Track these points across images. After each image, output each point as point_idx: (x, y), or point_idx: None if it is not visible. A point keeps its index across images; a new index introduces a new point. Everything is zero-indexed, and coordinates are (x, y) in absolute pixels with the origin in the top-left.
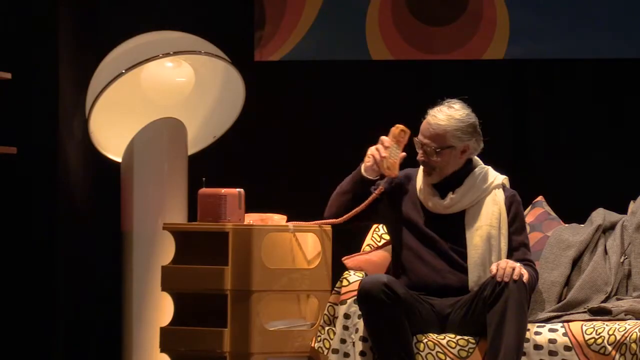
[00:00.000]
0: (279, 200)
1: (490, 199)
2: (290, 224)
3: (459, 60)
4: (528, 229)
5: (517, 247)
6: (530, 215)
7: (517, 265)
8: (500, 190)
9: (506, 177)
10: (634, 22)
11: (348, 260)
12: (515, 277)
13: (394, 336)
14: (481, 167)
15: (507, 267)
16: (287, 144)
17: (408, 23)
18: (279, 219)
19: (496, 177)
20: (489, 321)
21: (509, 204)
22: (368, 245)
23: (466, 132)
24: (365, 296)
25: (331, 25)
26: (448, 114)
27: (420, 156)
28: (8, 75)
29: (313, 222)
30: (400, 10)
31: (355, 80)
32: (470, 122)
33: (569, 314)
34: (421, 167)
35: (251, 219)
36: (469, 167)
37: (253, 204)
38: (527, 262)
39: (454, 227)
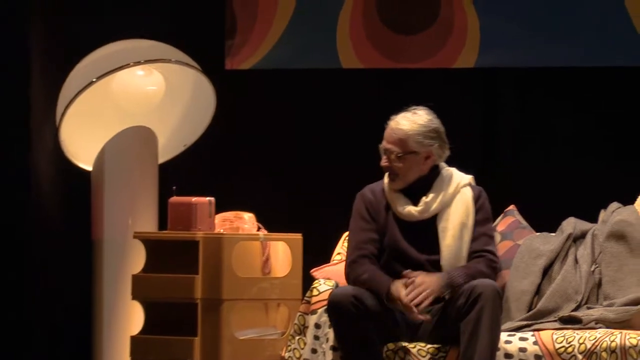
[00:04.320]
0: (250, 208)
1: (459, 198)
2: (261, 233)
3: (430, 69)
4: (499, 237)
5: (477, 237)
6: (502, 224)
7: (430, 294)
8: (468, 188)
9: (472, 176)
10: (604, 31)
11: (317, 272)
12: (417, 302)
13: (364, 348)
14: (446, 169)
15: (422, 292)
16: (258, 152)
17: (379, 32)
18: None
19: (463, 177)
20: (463, 329)
21: (477, 199)
22: (339, 254)
23: (429, 137)
24: (335, 309)
25: (302, 34)
26: (411, 120)
27: (383, 162)
28: None
29: None
30: (372, 19)
31: (326, 89)
32: (433, 128)
33: (539, 323)
34: (386, 178)
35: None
36: (434, 172)
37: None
38: (483, 253)
39: (427, 233)
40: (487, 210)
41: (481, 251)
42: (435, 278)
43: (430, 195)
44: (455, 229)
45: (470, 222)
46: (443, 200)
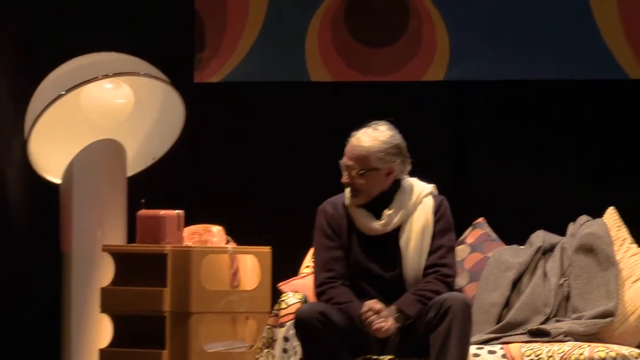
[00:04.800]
0: (219, 221)
1: (420, 209)
2: (230, 246)
3: (399, 82)
4: (469, 250)
5: (435, 250)
6: (471, 237)
7: (389, 323)
8: (429, 198)
9: (433, 185)
10: (571, 45)
11: (284, 286)
12: (375, 327)
13: None
14: (407, 180)
15: (382, 319)
16: (227, 166)
17: (348, 45)
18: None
19: (424, 187)
20: (433, 342)
21: (437, 208)
22: (307, 266)
23: (390, 153)
24: (302, 325)
25: (271, 47)
26: (372, 136)
27: (345, 178)
28: None
29: None
30: (340, 32)
31: (295, 102)
32: (395, 144)
33: (508, 335)
34: (347, 192)
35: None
36: (396, 184)
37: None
38: (438, 268)
39: (390, 246)
40: (448, 220)
41: (436, 265)
42: (390, 312)
43: (392, 208)
44: (416, 240)
45: (430, 232)
46: (405, 212)
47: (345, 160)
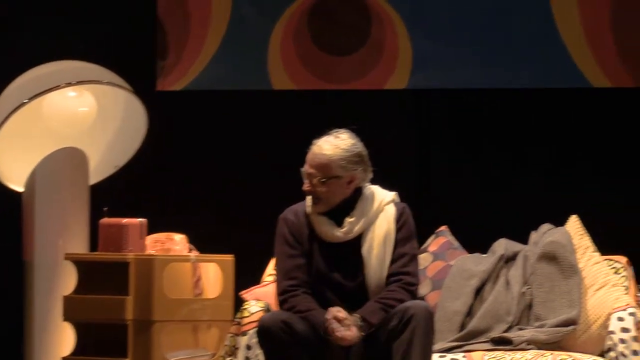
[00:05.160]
0: (181, 230)
1: (382, 216)
2: (192, 254)
3: (361, 90)
4: (431, 258)
5: (397, 258)
6: (434, 245)
7: (352, 333)
8: (391, 205)
9: (395, 192)
10: (534, 54)
11: (246, 295)
12: (338, 336)
13: None
14: (368, 187)
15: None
16: (190, 174)
17: (310, 53)
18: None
19: (386, 194)
20: (395, 351)
21: (399, 216)
22: (270, 275)
23: (352, 161)
24: (265, 334)
25: (233, 55)
26: (334, 144)
27: (306, 186)
28: None
29: None
30: (303, 40)
31: (258, 110)
32: (356, 152)
33: (470, 344)
34: (308, 200)
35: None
36: (357, 192)
37: (155, 233)
38: (401, 276)
39: (352, 254)
40: (410, 227)
41: (399, 274)
42: (353, 321)
43: (354, 216)
44: (378, 248)
45: (392, 240)
46: (367, 220)
47: (306, 168)
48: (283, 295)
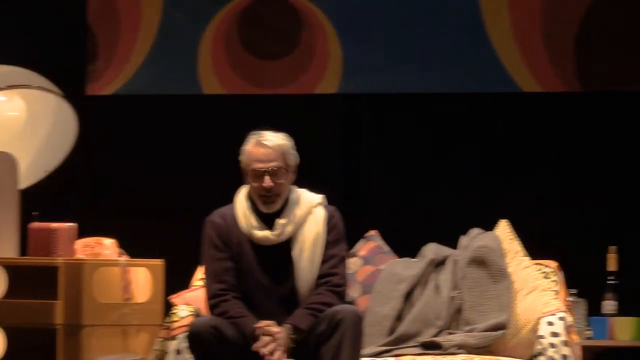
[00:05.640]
0: (111, 234)
1: (312, 219)
2: (122, 259)
3: (292, 95)
4: (361, 262)
5: (327, 260)
6: (363, 249)
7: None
8: (320, 208)
9: (323, 195)
10: (464, 58)
11: (176, 299)
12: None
13: None
14: (295, 190)
15: (274, 346)
16: (120, 178)
17: (241, 57)
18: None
19: (313, 197)
20: (324, 355)
21: (329, 219)
22: (200, 279)
23: (294, 150)
24: (195, 339)
25: (164, 60)
26: (275, 135)
27: (267, 183)
28: None
29: None
30: (233, 45)
31: (188, 115)
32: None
33: (400, 348)
34: (237, 204)
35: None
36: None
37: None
38: (329, 278)
39: (283, 257)
40: (340, 230)
41: (327, 275)
42: (283, 332)
43: (285, 218)
44: (309, 251)
45: (322, 243)
46: (297, 222)
47: (261, 166)
48: (214, 299)
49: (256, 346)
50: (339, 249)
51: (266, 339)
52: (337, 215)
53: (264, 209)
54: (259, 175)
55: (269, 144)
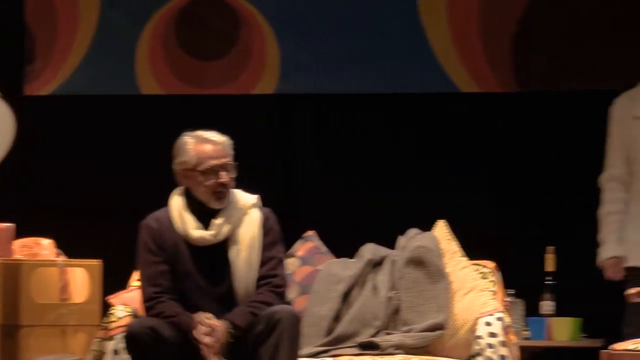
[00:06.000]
0: (49, 234)
1: (247, 220)
2: (60, 259)
3: (230, 95)
4: (299, 262)
5: (266, 262)
6: (301, 249)
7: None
8: (256, 209)
9: (257, 196)
10: (402, 58)
11: (113, 299)
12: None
13: None
14: (230, 190)
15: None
16: (58, 178)
17: (178, 58)
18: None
19: (248, 198)
20: (262, 355)
21: (265, 220)
22: (137, 280)
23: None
24: (132, 340)
25: (101, 60)
26: (215, 133)
27: (225, 178)
28: None
29: None
30: (171, 45)
31: (126, 115)
32: None
33: (338, 348)
34: (172, 206)
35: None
36: None
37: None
38: (269, 279)
39: (219, 258)
40: (276, 232)
41: (267, 277)
42: (222, 327)
43: (221, 218)
44: (246, 252)
45: (259, 245)
46: (232, 222)
47: (216, 162)
48: (149, 302)
49: (197, 332)
50: (277, 251)
51: (205, 328)
52: (273, 217)
53: (216, 205)
54: (214, 171)
55: (217, 140)
